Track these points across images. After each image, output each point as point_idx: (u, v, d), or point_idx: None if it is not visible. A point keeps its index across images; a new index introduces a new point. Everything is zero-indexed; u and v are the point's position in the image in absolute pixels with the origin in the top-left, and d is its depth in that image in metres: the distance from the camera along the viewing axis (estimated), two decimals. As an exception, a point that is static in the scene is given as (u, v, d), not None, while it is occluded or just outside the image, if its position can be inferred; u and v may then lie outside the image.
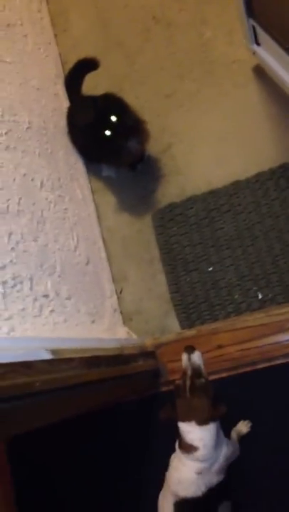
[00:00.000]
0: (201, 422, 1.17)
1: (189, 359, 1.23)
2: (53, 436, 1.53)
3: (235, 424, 1.44)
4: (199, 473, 1.19)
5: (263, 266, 1.66)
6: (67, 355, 1.18)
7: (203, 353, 1.29)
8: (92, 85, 1.87)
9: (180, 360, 1.29)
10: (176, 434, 1.24)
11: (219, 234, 1.72)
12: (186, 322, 1.69)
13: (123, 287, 1.80)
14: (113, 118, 1.60)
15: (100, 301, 1.65)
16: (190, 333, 1.61)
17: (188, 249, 1.74)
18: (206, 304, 1.68)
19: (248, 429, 1.44)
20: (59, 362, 1.14)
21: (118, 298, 1.79)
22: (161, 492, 1.31)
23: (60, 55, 2.08)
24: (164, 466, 1.31)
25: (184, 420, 1.19)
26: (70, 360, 1.18)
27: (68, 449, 1.63)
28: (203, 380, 1.22)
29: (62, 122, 1.81)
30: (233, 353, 1.56)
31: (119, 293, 1.79)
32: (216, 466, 1.22)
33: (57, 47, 2.11)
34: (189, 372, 1.22)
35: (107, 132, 1.58)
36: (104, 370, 1.31)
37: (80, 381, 1.20)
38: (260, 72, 1.78)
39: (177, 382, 1.25)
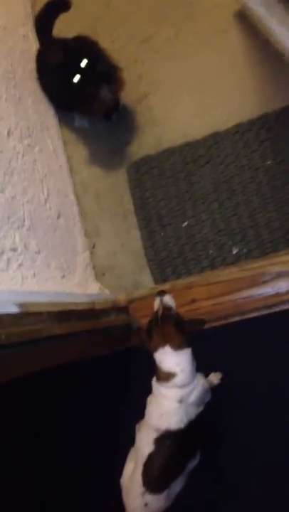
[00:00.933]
0: (176, 346, 1.21)
1: (161, 301, 1.28)
2: (28, 390, 1.52)
3: (206, 376, 1.45)
4: (180, 400, 1.22)
5: (239, 220, 1.63)
6: (36, 309, 1.15)
7: (177, 308, 1.31)
8: (64, 28, 1.76)
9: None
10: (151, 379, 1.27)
11: (195, 187, 1.67)
12: (160, 277, 1.66)
13: (96, 242, 1.76)
14: (84, 62, 1.50)
15: (71, 255, 1.60)
16: (164, 287, 1.59)
17: (164, 203, 1.70)
18: (181, 258, 1.65)
19: (219, 381, 1.44)
20: (27, 315, 1.11)
21: (91, 253, 1.75)
22: (138, 435, 1.31)
23: (29, -6, 1.94)
24: (137, 416, 1.32)
25: (158, 347, 1.22)
26: (39, 314, 1.15)
27: (43, 404, 1.63)
28: (173, 312, 1.28)
29: (32, 66, 1.70)
30: (207, 307, 1.55)
31: (92, 248, 1.75)
32: (195, 395, 1.24)
33: (26, -15, 1.96)
34: (161, 311, 1.27)
35: (76, 78, 1.49)
36: (75, 324, 1.29)
37: (49, 334, 1.17)
38: (243, 17, 1.69)
39: (150, 319, 1.29)
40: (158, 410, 1.26)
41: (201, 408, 1.30)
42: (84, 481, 1.52)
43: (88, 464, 1.53)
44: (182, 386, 1.23)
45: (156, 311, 1.28)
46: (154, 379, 1.29)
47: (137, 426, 1.35)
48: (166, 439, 1.22)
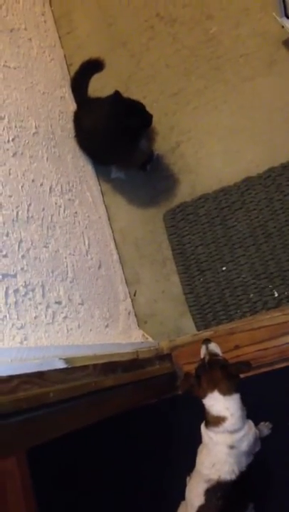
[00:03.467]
0: (224, 391, 1.22)
1: (207, 348, 1.31)
2: (73, 442, 1.52)
3: (256, 426, 1.42)
4: (232, 447, 1.20)
5: (278, 263, 1.62)
6: (82, 363, 1.17)
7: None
8: (99, 87, 1.86)
9: (196, 362, 1.33)
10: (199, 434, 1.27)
11: (232, 232, 1.69)
12: (202, 323, 1.66)
13: (137, 289, 1.78)
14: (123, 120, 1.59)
15: (113, 304, 1.63)
16: (206, 334, 1.59)
17: (201, 249, 1.72)
18: (221, 303, 1.66)
19: (269, 431, 1.41)
20: (73, 370, 1.13)
21: (132, 300, 1.77)
22: (188, 487, 1.29)
23: (65, 57, 2.07)
24: (186, 467, 1.30)
25: (207, 393, 1.23)
26: (85, 367, 1.17)
27: (90, 455, 1.62)
28: (220, 357, 1.30)
29: (70, 125, 1.79)
30: (251, 353, 1.53)
31: (133, 295, 1.78)
32: (246, 442, 1.22)
33: (62, 49, 2.10)
34: (207, 358, 1.29)
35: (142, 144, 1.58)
36: (121, 376, 1.30)
37: (95, 388, 1.18)
38: (272, 63, 1.75)
39: (197, 365, 1.31)
40: (209, 459, 1.24)
41: (251, 458, 1.27)
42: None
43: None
44: (233, 431, 1.21)
45: (203, 358, 1.30)
46: (203, 426, 1.28)
47: (188, 478, 1.32)
48: (217, 491, 1.19)
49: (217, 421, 1.22)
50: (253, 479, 1.27)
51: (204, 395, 1.24)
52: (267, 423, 1.42)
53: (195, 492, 1.23)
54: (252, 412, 1.29)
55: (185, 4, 1.93)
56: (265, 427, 1.41)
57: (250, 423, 1.27)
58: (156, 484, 1.52)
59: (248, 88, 1.78)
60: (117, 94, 1.60)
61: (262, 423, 1.41)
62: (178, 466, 1.36)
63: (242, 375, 1.29)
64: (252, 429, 1.26)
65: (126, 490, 1.55)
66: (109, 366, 1.26)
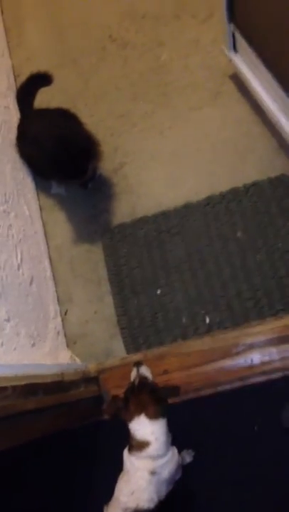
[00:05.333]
0: (151, 415, 1.20)
1: (138, 371, 1.29)
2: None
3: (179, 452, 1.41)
4: (153, 473, 1.18)
5: (211, 290, 1.64)
6: (0, 384, 1.11)
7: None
8: (46, 100, 1.83)
9: (124, 386, 1.30)
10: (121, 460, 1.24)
11: (168, 256, 1.70)
12: (132, 346, 1.64)
13: (68, 309, 1.74)
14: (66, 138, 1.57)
15: (42, 323, 1.57)
16: (135, 357, 1.56)
17: (137, 271, 1.71)
18: (153, 327, 1.65)
19: (191, 459, 1.40)
20: (-10, 391, 1.07)
21: (62, 320, 1.72)
22: None
23: (12, 67, 2.03)
24: (108, 492, 1.25)
25: (133, 416, 1.21)
26: (4, 388, 1.11)
27: (6, 478, 1.52)
28: (150, 381, 1.28)
29: (12, 135, 1.74)
30: (179, 379, 1.52)
31: (64, 314, 1.72)
32: (169, 469, 1.20)
33: (10, 59, 2.06)
34: (137, 381, 1.28)
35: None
36: (42, 399, 1.24)
37: (14, 411, 1.12)
38: (218, 95, 1.81)
39: (126, 388, 1.29)
40: (129, 486, 1.20)
41: (171, 487, 1.24)
42: None
43: None
44: (156, 457, 1.19)
45: (133, 381, 1.28)
46: (126, 451, 1.24)
47: (105, 506, 1.27)
48: None
49: (141, 445, 1.19)
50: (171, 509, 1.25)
51: (131, 419, 1.22)
52: (190, 450, 1.41)
53: None
54: (176, 438, 1.27)
55: (138, 30, 1.97)
56: (188, 455, 1.40)
57: (174, 450, 1.25)
58: (74, 511, 1.45)
59: (193, 117, 1.83)
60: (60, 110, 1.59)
61: (185, 450, 1.40)
62: (97, 494, 1.31)
63: (169, 401, 1.28)
64: (175, 456, 1.24)
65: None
66: (31, 388, 1.20)
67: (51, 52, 2.04)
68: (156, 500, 1.18)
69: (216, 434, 1.45)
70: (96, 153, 1.66)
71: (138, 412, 1.21)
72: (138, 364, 1.33)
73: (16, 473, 1.51)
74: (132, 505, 1.17)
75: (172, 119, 1.85)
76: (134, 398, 1.25)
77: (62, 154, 1.55)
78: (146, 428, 1.20)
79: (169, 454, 1.22)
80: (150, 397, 1.23)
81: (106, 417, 1.53)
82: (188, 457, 1.39)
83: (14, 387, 1.13)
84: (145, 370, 1.32)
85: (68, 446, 1.49)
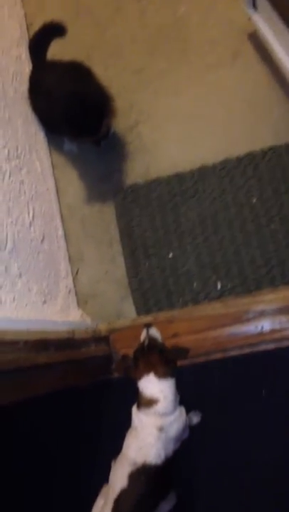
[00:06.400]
0: (160, 374, 1.22)
1: (147, 332, 1.31)
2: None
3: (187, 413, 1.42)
4: (160, 429, 1.20)
5: (224, 255, 1.62)
6: (13, 338, 1.10)
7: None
8: (59, 52, 1.75)
9: (134, 347, 1.31)
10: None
11: (182, 219, 1.67)
12: (143, 308, 1.63)
13: (79, 268, 1.72)
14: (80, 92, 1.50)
15: (53, 281, 1.56)
16: (146, 319, 1.56)
17: (150, 233, 1.68)
18: (164, 290, 1.63)
19: (199, 420, 1.41)
20: (2, 344, 1.06)
21: (74, 279, 1.70)
22: (112, 470, 1.26)
23: (25, 16, 1.94)
24: (113, 451, 1.27)
25: (143, 374, 1.23)
26: (15, 342, 1.10)
27: (15, 433, 1.54)
28: (159, 342, 1.30)
29: (24, 88, 1.68)
30: (188, 342, 1.51)
31: (75, 274, 1.71)
32: (176, 427, 1.22)
33: (22, 8, 1.97)
34: (147, 342, 1.29)
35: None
36: (53, 354, 1.24)
37: (25, 365, 1.12)
38: (236, 55, 1.73)
39: (136, 348, 1.30)
40: (137, 442, 1.23)
41: (178, 445, 1.26)
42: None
43: (60, 500, 1.45)
44: (163, 414, 1.21)
45: (143, 342, 1.29)
46: (134, 408, 1.27)
47: (113, 461, 1.29)
48: (141, 475, 1.18)
49: (149, 403, 1.21)
50: (177, 468, 1.27)
51: (140, 377, 1.23)
52: (197, 411, 1.42)
53: (119, 475, 1.21)
54: (184, 400, 1.28)
55: (156, -19, 1.87)
56: (195, 416, 1.42)
57: (182, 409, 1.27)
58: (82, 467, 1.48)
59: (211, 77, 1.76)
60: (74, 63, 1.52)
61: (192, 411, 1.41)
62: (105, 450, 1.33)
63: (178, 364, 1.28)
64: (183, 415, 1.26)
65: (49, 472, 1.50)
66: (42, 343, 1.20)
67: (66, 2, 1.94)
68: (163, 456, 1.20)
69: (223, 397, 1.46)
70: (110, 110, 1.60)
71: (147, 371, 1.23)
72: (148, 325, 1.34)
73: (28, 426, 1.53)
74: (140, 460, 1.19)
75: (189, 78, 1.77)
76: (143, 358, 1.26)
77: (76, 109, 1.49)
78: (155, 386, 1.22)
79: (177, 412, 1.24)
80: (159, 358, 1.24)
81: (115, 375, 1.54)
82: (195, 418, 1.41)
83: (26, 342, 1.13)
84: (155, 332, 1.33)
85: (78, 403, 1.50)
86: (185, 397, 1.29)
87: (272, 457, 1.37)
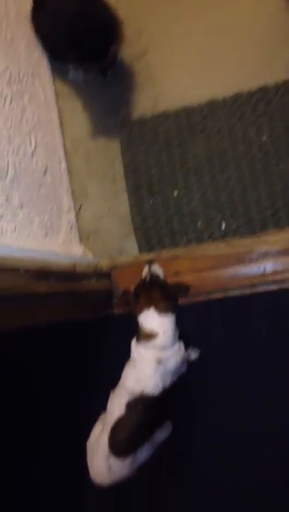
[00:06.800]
0: (161, 309, 1.23)
1: (149, 269, 1.32)
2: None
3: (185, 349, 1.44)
4: (159, 362, 1.22)
5: (230, 195, 1.58)
6: (13, 265, 1.09)
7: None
8: None
9: (135, 283, 1.31)
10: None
11: (189, 156, 1.61)
12: (145, 246, 1.62)
13: (82, 203, 1.69)
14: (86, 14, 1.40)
15: (56, 214, 1.53)
16: (148, 256, 1.55)
17: (155, 170, 1.63)
18: (168, 228, 1.61)
19: (197, 356, 1.43)
20: (2, 271, 1.05)
21: (76, 214, 1.67)
22: (110, 398, 1.30)
23: None
24: (114, 379, 1.30)
25: (143, 309, 1.24)
26: (16, 270, 1.09)
27: (16, 365, 1.57)
28: (161, 279, 1.31)
29: (27, 9, 1.57)
30: (190, 281, 1.51)
31: (78, 209, 1.68)
32: (174, 361, 1.25)
33: None
34: (148, 278, 1.30)
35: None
36: (54, 284, 1.24)
37: (25, 292, 1.12)
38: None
39: (137, 283, 1.31)
40: (135, 373, 1.26)
41: (175, 378, 1.29)
42: (53, 448, 1.50)
43: (59, 429, 1.51)
44: (162, 348, 1.23)
45: (144, 278, 1.30)
46: (134, 341, 1.28)
47: (111, 392, 1.32)
48: (138, 404, 1.22)
49: (149, 336, 1.23)
50: (172, 399, 1.30)
51: (140, 311, 1.24)
52: (196, 348, 1.44)
53: (116, 403, 1.24)
54: (183, 336, 1.30)
55: None
56: (194, 352, 1.44)
57: (181, 344, 1.28)
58: (81, 395, 1.52)
59: (225, 4, 1.63)
60: None
61: (191, 347, 1.43)
62: (104, 382, 1.36)
63: (179, 302, 1.29)
64: (181, 350, 1.27)
65: (50, 403, 1.54)
66: (43, 272, 1.19)
67: None
68: (160, 388, 1.22)
69: (222, 336, 1.47)
70: (118, 34, 1.50)
71: (148, 306, 1.24)
72: (150, 262, 1.34)
73: (29, 354, 1.56)
74: (138, 390, 1.22)
75: (202, 4, 1.65)
76: (144, 293, 1.27)
77: (82, 32, 1.39)
78: (155, 320, 1.23)
79: (176, 346, 1.26)
80: (160, 293, 1.25)
81: (116, 311, 1.55)
82: (193, 354, 1.43)
83: (27, 270, 1.12)
84: (157, 269, 1.33)
85: (79, 335, 1.52)
86: (184, 335, 1.30)
87: (269, 396, 1.40)
